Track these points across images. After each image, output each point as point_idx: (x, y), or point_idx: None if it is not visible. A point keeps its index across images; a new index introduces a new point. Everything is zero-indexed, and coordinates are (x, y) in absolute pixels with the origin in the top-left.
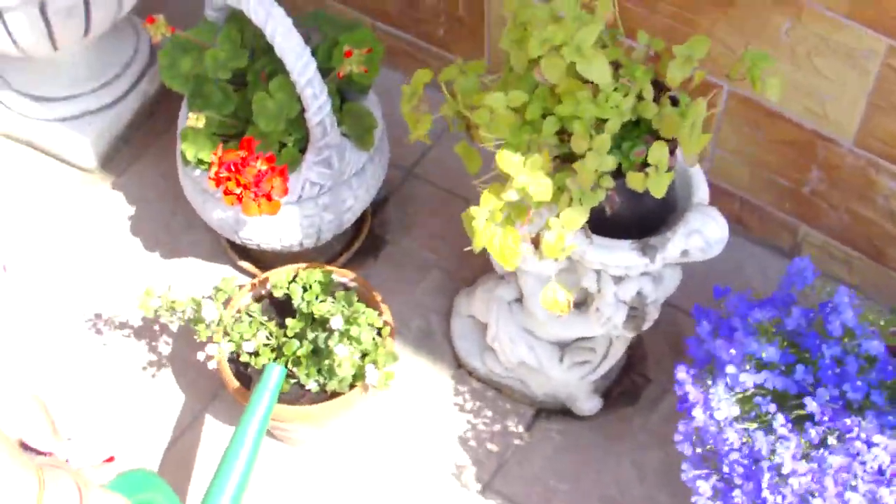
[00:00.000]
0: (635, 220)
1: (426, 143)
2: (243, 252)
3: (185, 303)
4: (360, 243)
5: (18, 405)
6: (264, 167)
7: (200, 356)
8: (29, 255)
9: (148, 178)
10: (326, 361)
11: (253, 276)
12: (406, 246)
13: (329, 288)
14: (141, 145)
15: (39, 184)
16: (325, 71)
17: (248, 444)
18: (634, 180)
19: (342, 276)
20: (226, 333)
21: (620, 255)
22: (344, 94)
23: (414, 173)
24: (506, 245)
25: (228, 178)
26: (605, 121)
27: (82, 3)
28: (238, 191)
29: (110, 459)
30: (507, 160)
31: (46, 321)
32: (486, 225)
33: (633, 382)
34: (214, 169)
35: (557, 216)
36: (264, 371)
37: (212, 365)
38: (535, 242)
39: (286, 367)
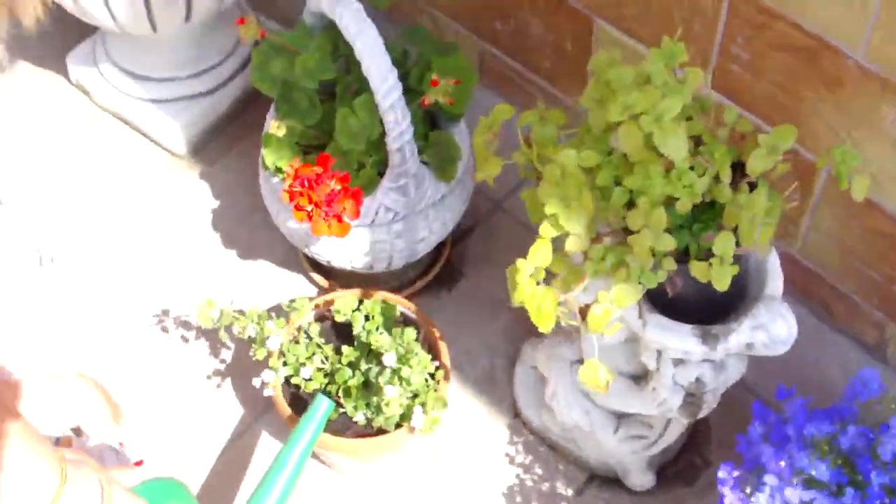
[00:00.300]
0: (703, 301)
1: (519, 178)
2: (316, 263)
3: (247, 318)
4: (436, 273)
5: (76, 390)
6: (338, 187)
7: (256, 382)
8: (105, 233)
9: (235, 172)
10: (375, 398)
11: (322, 288)
12: (483, 282)
13: (391, 319)
14: (233, 138)
15: (127, 161)
16: (416, 94)
17: (287, 471)
18: (697, 269)
19: (407, 308)
20: (282, 354)
21: (678, 338)
22: (434, 119)
23: (503, 207)
24: (543, 306)
25: (301, 194)
26: (676, 199)
27: None
28: (309, 208)
29: (139, 463)
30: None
31: (113, 304)
32: (528, 281)
33: (691, 463)
34: (289, 182)
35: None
36: (314, 400)
37: (267, 392)
38: (583, 312)
39: (336, 394)
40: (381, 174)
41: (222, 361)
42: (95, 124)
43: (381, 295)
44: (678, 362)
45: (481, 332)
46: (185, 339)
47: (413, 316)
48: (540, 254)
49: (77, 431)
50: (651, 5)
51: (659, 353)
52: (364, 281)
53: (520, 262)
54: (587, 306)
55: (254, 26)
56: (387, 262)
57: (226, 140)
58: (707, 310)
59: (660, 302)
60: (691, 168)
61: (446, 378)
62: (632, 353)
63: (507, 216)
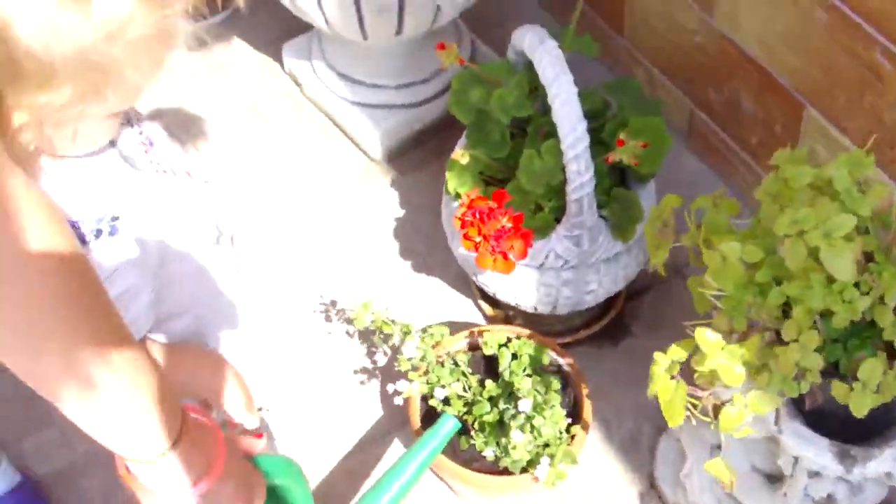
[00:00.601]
0: (847, 416)
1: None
2: (485, 293)
3: (394, 328)
4: (604, 325)
5: (218, 367)
6: (509, 225)
7: (389, 388)
8: (290, 219)
9: (424, 188)
10: (505, 438)
11: (487, 316)
12: (649, 344)
13: (539, 363)
14: (429, 153)
15: (324, 155)
16: (607, 147)
17: (402, 479)
18: (838, 389)
19: (559, 356)
20: (426, 372)
21: (814, 451)
22: (624, 175)
23: (682, 274)
24: (674, 402)
25: (472, 224)
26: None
27: (396, 5)
28: (478, 239)
29: (259, 436)
30: (706, 339)
31: (283, 287)
32: (664, 374)
33: None
34: (462, 210)
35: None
36: (441, 417)
37: (397, 401)
38: (716, 410)
39: (472, 424)
40: (558, 220)
41: (374, 363)
42: (301, 115)
43: (536, 337)
44: (813, 474)
45: (636, 393)
46: (349, 335)
47: (565, 366)
48: (680, 350)
49: (204, 404)
50: (863, 101)
51: (796, 459)
52: (529, 319)
53: (657, 354)
54: (722, 404)
55: (453, 54)
56: (551, 307)
57: (422, 154)
58: (857, 423)
59: (802, 410)
60: (856, 284)
61: (584, 429)
62: (770, 451)
63: (685, 284)
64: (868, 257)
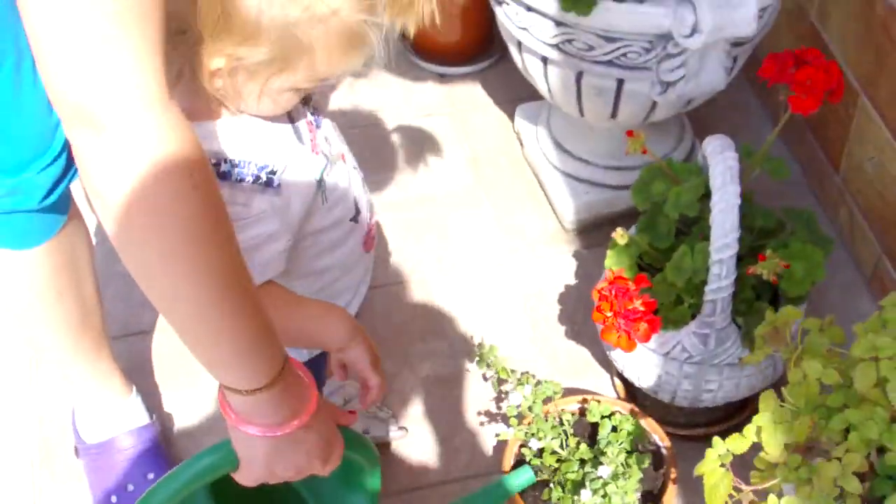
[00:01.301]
0: None
1: None
2: (620, 372)
3: (512, 375)
4: (723, 429)
5: (347, 323)
6: (640, 308)
7: (492, 428)
8: (469, 256)
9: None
10: (576, 497)
11: (619, 396)
12: None
13: (639, 440)
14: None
15: (523, 213)
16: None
17: None
18: None
19: (661, 439)
20: (529, 423)
21: None
22: (776, 296)
23: None
24: (718, 488)
25: (606, 298)
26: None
27: (613, 91)
28: (608, 314)
29: (353, 413)
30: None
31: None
32: (716, 459)
33: None
34: (603, 284)
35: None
36: (521, 468)
37: (490, 441)
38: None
39: (555, 482)
40: (695, 316)
41: (490, 404)
42: (514, 171)
43: (640, 415)
44: None
45: None
46: (483, 376)
47: (662, 448)
48: (737, 443)
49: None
50: None
51: None
52: (656, 408)
53: (716, 439)
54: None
55: (639, 142)
56: (670, 396)
57: (610, 233)
58: None
59: None
60: None
61: None
62: None
63: None
64: None
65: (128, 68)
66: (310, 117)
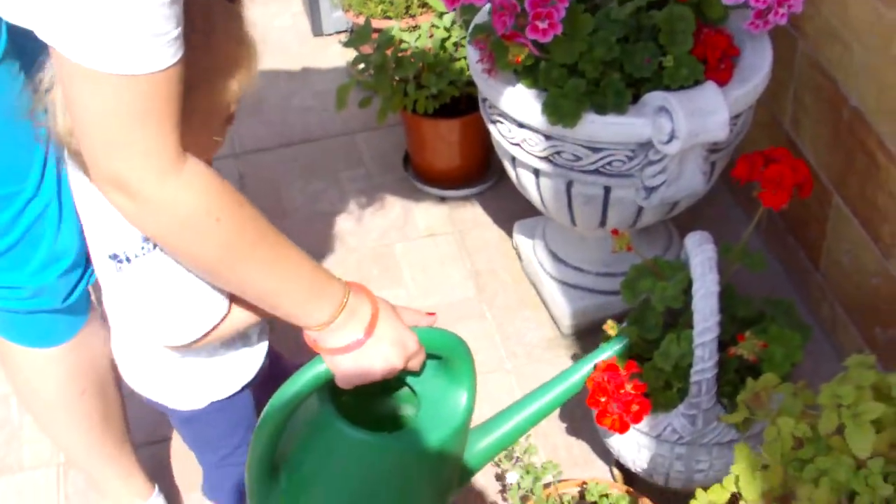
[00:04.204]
0: None
1: None
2: (619, 462)
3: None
4: None
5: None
6: (632, 391)
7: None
8: None
9: None
10: None
11: (615, 479)
12: None
13: None
14: None
15: (521, 321)
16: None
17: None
18: None
19: None
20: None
21: None
22: (760, 374)
23: None
24: None
25: (600, 385)
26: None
27: (601, 198)
28: (602, 399)
29: (432, 314)
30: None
31: None
32: None
33: None
34: (596, 372)
35: None
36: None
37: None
38: None
39: None
40: (683, 400)
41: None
42: (513, 285)
43: (635, 495)
44: None
45: None
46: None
47: None
48: (717, 494)
49: None
50: None
51: None
52: (652, 493)
53: (698, 492)
54: None
55: (625, 241)
56: (664, 478)
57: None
58: None
59: None
60: (886, 476)
61: None
62: None
63: None
64: None
65: (148, 146)
66: None
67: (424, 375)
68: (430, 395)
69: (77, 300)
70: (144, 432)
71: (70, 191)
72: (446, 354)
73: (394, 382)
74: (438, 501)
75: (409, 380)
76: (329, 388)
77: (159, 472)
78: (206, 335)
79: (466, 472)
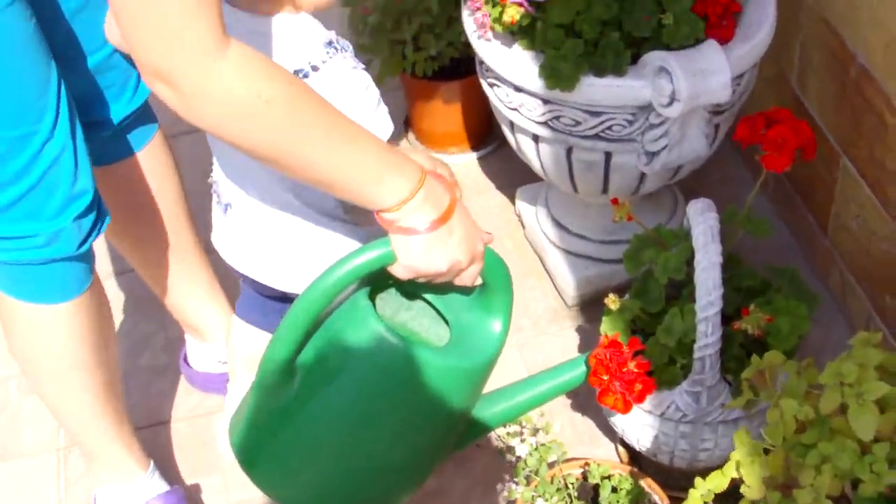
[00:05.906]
0: None
1: None
2: (624, 441)
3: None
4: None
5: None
6: (635, 370)
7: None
8: None
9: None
10: None
11: (622, 462)
12: None
13: (636, 501)
14: None
15: (526, 293)
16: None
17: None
18: None
19: (661, 499)
20: (536, 485)
21: None
22: (765, 347)
23: None
24: None
25: (602, 363)
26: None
27: (602, 164)
28: (604, 377)
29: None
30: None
31: None
32: (699, 498)
33: None
34: (599, 349)
35: None
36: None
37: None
38: None
39: None
40: (687, 377)
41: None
42: (517, 253)
43: (638, 475)
44: None
45: None
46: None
47: (658, 501)
48: (716, 481)
49: None
50: None
51: None
52: (660, 473)
53: (697, 480)
54: None
55: (625, 209)
56: (668, 457)
57: None
58: None
59: None
60: (892, 462)
61: None
62: None
63: None
64: None
65: (188, 34)
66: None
67: (459, 305)
68: (463, 325)
69: (89, 251)
70: (141, 416)
71: (82, 130)
72: (492, 281)
73: (428, 309)
74: (433, 452)
75: (444, 309)
76: (367, 295)
77: (158, 455)
78: None
79: (465, 436)
